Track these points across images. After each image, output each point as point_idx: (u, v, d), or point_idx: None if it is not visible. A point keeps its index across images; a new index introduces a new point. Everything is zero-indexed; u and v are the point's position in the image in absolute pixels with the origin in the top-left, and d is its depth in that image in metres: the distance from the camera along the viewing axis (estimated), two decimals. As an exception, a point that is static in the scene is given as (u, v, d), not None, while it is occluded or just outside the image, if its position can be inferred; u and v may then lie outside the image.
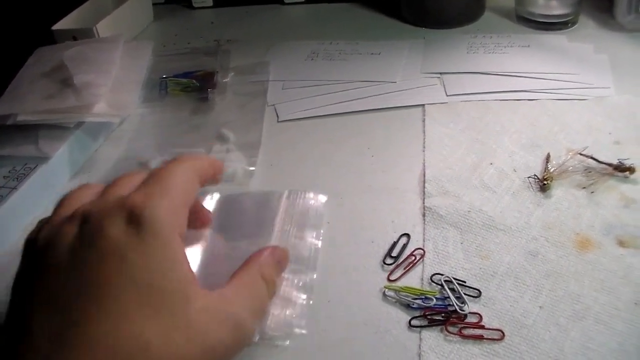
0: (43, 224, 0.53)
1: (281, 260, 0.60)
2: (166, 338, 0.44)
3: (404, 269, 0.64)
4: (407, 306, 0.60)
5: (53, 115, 0.83)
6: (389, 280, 0.63)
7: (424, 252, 0.65)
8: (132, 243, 0.45)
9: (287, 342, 0.57)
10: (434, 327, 0.57)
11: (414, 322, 0.58)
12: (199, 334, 0.46)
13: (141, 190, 0.50)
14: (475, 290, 0.60)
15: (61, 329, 0.43)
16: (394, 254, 0.65)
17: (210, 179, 0.59)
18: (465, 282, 0.61)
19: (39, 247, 0.49)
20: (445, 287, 0.60)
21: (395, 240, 0.67)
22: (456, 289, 0.60)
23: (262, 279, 0.55)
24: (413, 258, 0.64)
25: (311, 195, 0.74)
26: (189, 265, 0.49)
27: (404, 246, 0.66)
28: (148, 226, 0.46)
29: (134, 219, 0.46)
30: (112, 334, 0.42)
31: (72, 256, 0.46)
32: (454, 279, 0.61)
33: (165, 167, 0.54)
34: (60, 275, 0.45)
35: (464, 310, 0.58)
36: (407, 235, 0.67)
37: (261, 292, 0.55)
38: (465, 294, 0.60)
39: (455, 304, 0.58)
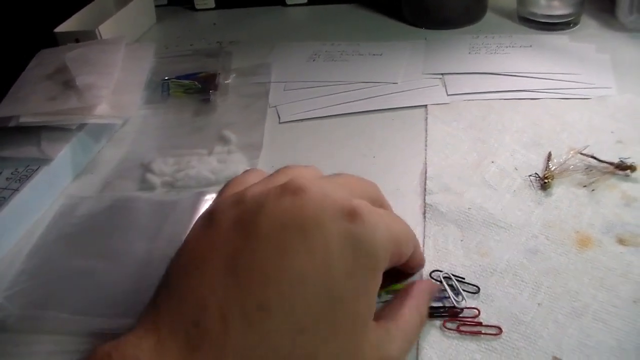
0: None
1: (431, 293, 0.58)
2: None
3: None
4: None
5: (55, 117, 0.83)
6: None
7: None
8: (346, 249, 0.44)
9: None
10: (431, 324, 0.57)
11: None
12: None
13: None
14: (473, 287, 0.60)
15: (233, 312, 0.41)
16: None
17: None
18: (464, 278, 0.61)
19: (236, 200, 0.47)
20: (444, 283, 0.60)
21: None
22: (455, 285, 0.60)
23: (418, 314, 0.54)
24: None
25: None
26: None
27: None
28: (366, 238, 0.45)
29: (353, 221, 0.44)
30: (287, 344, 0.41)
31: (275, 235, 0.43)
32: (453, 275, 0.61)
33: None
34: (254, 245, 0.43)
35: (461, 305, 0.58)
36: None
37: (416, 328, 0.53)
38: (464, 290, 0.60)
39: (452, 298, 0.58)
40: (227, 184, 0.55)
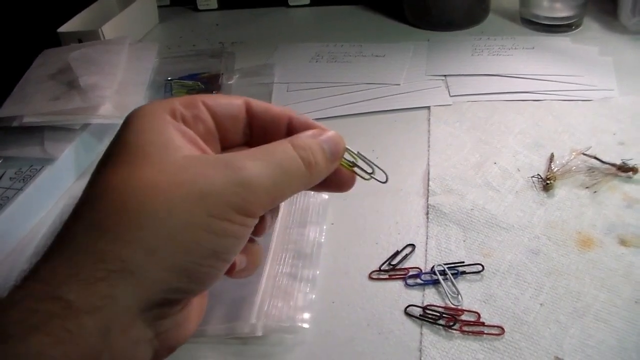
0: None
1: (332, 145, 0.49)
2: (155, 183, 0.40)
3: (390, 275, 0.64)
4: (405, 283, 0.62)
5: (59, 117, 0.84)
6: (370, 277, 0.64)
7: (421, 271, 0.64)
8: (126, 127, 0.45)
9: (291, 336, 0.58)
10: (434, 323, 0.57)
11: (410, 309, 0.59)
12: (187, 177, 0.41)
13: None
14: (477, 266, 0.62)
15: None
16: (394, 262, 0.66)
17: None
18: (464, 262, 0.63)
19: None
20: (441, 280, 0.61)
21: (399, 249, 0.67)
22: (452, 281, 0.61)
23: (295, 152, 0.45)
24: (406, 272, 0.64)
25: (312, 192, 0.74)
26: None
27: (406, 256, 0.66)
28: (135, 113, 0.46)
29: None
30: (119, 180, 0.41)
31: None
32: (452, 265, 0.63)
33: None
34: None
35: (461, 305, 0.58)
36: (412, 245, 0.67)
37: (290, 164, 0.45)
38: (467, 271, 0.62)
39: (448, 295, 0.59)
40: None
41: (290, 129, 0.50)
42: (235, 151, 0.47)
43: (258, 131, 0.50)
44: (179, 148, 0.43)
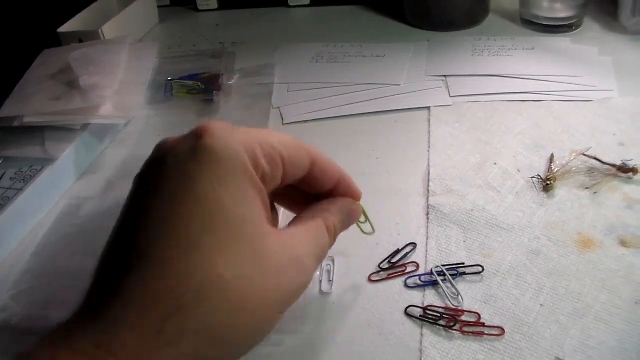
0: None
1: (350, 213, 0.57)
2: (240, 270, 0.41)
3: (389, 274, 0.64)
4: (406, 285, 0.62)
5: (59, 117, 0.84)
6: (370, 278, 0.64)
7: (418, 266, 0.65)
8: (198, 161, 0.43)
9: (291, 337, 0.58)
10: (435, 323, 0.57)
11: (410, 310, 0.59)
12: (272, 269, 0.44)
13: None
14: (477, 267, 0.62)
15: (129, 249, 0.41)
16: (395, 260, 0.66)
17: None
18: (464, 263, 0.63)
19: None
20: (439, 281, 0.61)
21: (399, 247, 0.67)
22: (451, 282, 0.61)
23: (325, 228, 0.52)
24: (404, 269, 0.64)
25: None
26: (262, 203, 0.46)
27: (406, 255, 0.66)
28: (212, 145, 0.43)
29: (200, 136, 0.44)
30: (182, 261, 0.40)
31: (142, 183, 0.45)
32: (451, 267, 0.63)
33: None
34: (140, 189, 0.44)
35: (461, 306, 0.59)
36: (414, 244, 0.67)
37: (323, 240, 0.52)
38: (467, 272, 0.62)
39: (448, 296, 0.59)
40: None
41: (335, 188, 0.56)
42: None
43: (310, 180, 0.54)
44: (267, 235, 0.44)
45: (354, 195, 0.58)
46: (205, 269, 0.40)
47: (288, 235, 0.48)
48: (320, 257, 0.51)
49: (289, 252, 0.46)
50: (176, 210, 0.41)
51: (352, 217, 0.58)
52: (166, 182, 0.42)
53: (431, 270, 0.62)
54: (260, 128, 0.51)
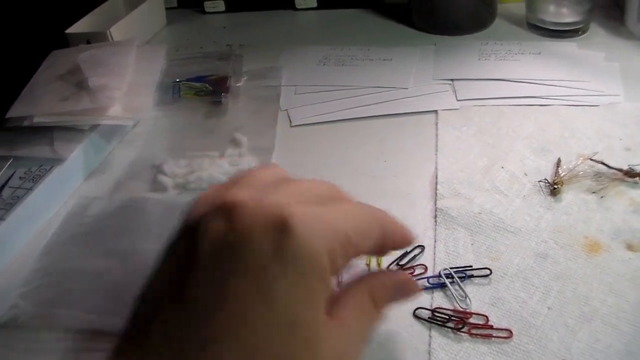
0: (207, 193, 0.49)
1: (400, 286, 0.53)
2: None
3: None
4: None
5: (68, 118, 0.84)
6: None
7: (426, 269, 0.65)
8: (281, 270, 0.41)
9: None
10: (443, 325, 0.57)
11: (418, 312, 0.60)
12: None
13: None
14: (485, 270, 0.62)
15: (184, 348, 0.40)
16: (402, 262, 0.66)
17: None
18: (471, 266, 0.63)
19: (187, 225, 0.46)
20: (447, 283, 0.61)
21: (407, 250, 0.67)
22: (459, 285, 0.61)
23: (371, 303, 0.49)
24: (412, 271, 0.65)
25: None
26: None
27: (414, 257, 0.67)
28: (297, 251, 0.42)
29: (283, 232, 0.41)
30: None
31: (213, 260, 0.42)
32: (458, 269, 0.63)
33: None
34: (197, 274, 0.42)
35: (469, 308, 0.59)
36: (422, 247, 0.67)
37: (371, 318, 0.49)
38: (475, 275, 0.62)
39: (456, 299, 0.60)
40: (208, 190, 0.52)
41: None
42: None
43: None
44: (328, 336, 0.44)
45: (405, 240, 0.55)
46: None
47: (340, 327, 0.46)
48: (366, 338, 0.49)
49: (344, 348, 0.45)
50: (248, 320, 0.40)
51: (404, 289, 0.54)
52: (243, 282, 0.41)
53: (439, 273, 0.63)
54: (334, 205, 0.48)
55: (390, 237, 0.51)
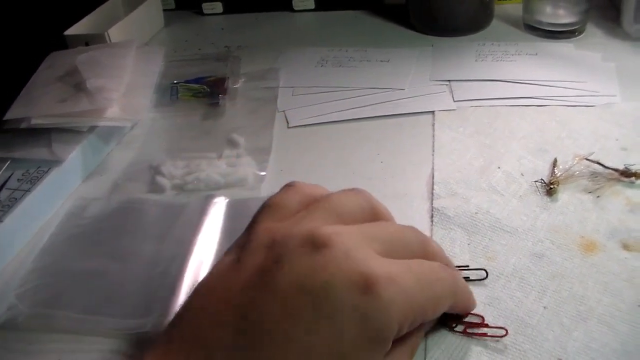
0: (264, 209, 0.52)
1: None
2: None
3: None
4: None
5: (66, 119, 0.84)
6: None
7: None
8: (354, 320, 0.42)
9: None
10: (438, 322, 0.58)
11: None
12: None
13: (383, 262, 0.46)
14: (481, 271, 0.62)
15: None
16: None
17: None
18: (468, 266, 0.63)
19: (270, 237, 0.47)
20: None
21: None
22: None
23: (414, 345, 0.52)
24: None
25: None
26: None
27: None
28: (378, 313, 0.43)
29: (367, 293, 0.42)
30: None
31: (292, 296, 0.43)
32: (457, 267, 0.63)
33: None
34: (273, 305, 0.42)
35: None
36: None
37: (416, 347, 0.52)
38: (471, 279, 0.62)
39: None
40: (265, 207, 0.53)
41: None
42: None
43: None
44: None
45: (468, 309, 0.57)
46: None
47: None
48: None
49: None
50: None
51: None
52: (313, 327, 0.42)
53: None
54: (419, 267, 0.49)
55: (456, 307, 0.53)
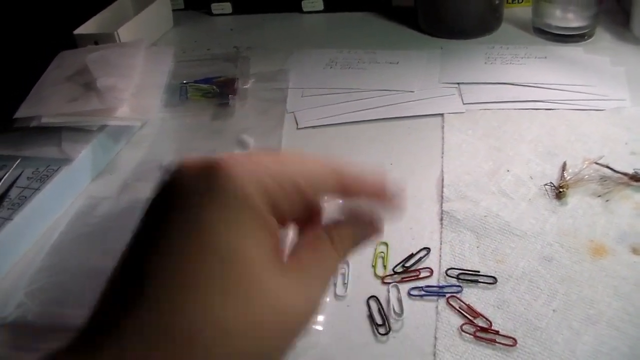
0: None
1: (368, 229, 0.51)
2: (245, 322, 0.39)
3: (403, 278, 0.65)
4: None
5: (76, 118, 0.85)
6: (383, 281, 0.65)
7: (431, 271, 0.65)
8: (209, 204, 0.40)
9: (304, 339, 0.58)
10: (449, 327, 0.58)
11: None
12: (278, 312, 0.41)
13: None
14: (490, 278, 0.62)
15: (131, 286, 0.39)
16: (408, 264, 0.66)
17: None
18: (479, 271, 0.63)
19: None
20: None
21: (413, 252, 0.68)
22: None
23: (331, 246, 0.47)
24: (417, 273, 0.65)
25: (324, 197, 0.75)
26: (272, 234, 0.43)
27: (420, 259, 0.67)
28: (225, 187, 0.41)
29: (213, 176, 0.41)
30: (184, 304, 0.38)
31: (155, 205, 0.42)
32: (467, 271, 0.63)
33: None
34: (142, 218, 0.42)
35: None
36: (427, 249, 0.68)
37: (331, 263, 0.47)
38: (480, 281, 0.62)
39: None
40: None
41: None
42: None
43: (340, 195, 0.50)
44: (273, 276, 0.42)
45: (380, 196, 0.52)
46: (206, 314, 0.38)
47: (293, 266, 0.45)
48: (325, 283, 0.47)
49: (297, 287, 0.44)
50: (183, 252, 0.39)
51: (369, 231, 0.52)
52: (176, 218, 0.40)
53: (447, 272, 0.64)
54: (278, 153, 0.47)
55: (353, 184, 0.49)
